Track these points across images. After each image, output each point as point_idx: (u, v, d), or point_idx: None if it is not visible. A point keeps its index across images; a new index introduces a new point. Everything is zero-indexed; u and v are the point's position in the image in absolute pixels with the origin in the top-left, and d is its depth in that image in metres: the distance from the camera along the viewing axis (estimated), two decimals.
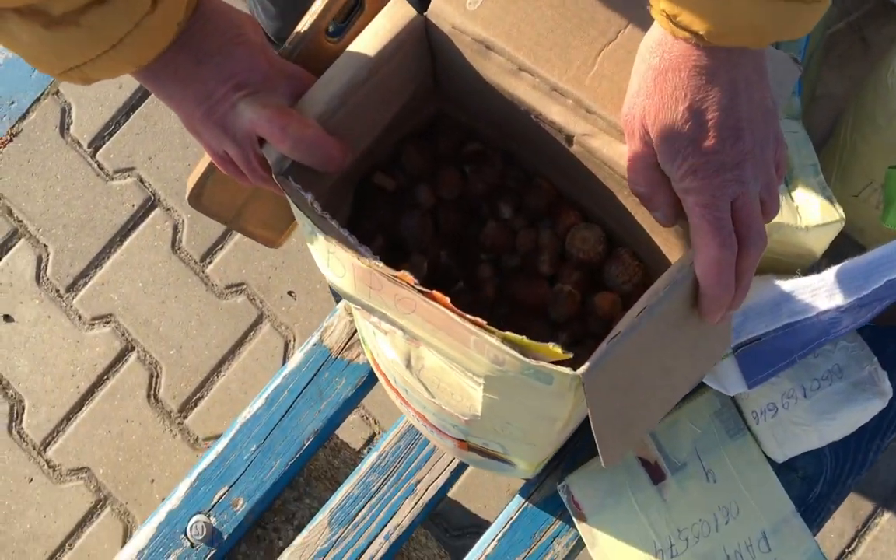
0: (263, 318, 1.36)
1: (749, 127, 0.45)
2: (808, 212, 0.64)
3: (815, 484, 0.77)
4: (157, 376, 1.34)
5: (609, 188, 0.56)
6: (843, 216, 0.63)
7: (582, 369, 0.46)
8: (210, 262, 1.37)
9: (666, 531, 0.72)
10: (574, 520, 0.74)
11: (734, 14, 0.42)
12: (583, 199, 0.62)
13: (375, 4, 0.55)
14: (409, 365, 0.59)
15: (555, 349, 0.46)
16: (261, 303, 1.36)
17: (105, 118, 1.41)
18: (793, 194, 0.65)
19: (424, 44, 0.56)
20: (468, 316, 0.47)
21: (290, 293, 1.37)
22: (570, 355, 0.47)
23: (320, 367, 0.81)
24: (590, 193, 0.58)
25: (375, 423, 1.32)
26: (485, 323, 0.47)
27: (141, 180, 1.40)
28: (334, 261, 0.53)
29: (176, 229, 1.38)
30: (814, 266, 0.67)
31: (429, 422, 0.68)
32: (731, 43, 0.44)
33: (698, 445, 0.73)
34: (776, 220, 0.66)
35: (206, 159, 0.57)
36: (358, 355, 0.82)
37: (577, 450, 0.77)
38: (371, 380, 0.81)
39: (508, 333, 0.47)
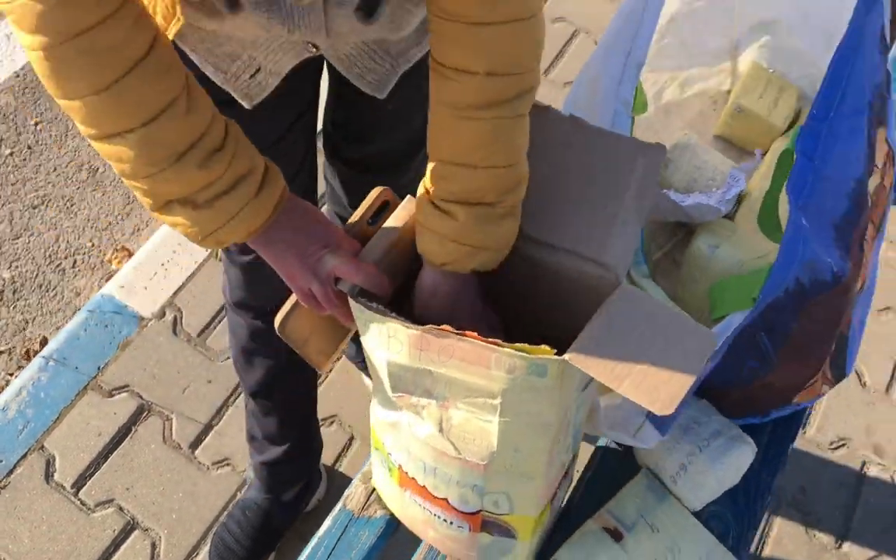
0: None
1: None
2: None
3: (726, 540, 1.04)
4: None
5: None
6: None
7: (566, 355, 0.77)
8: None
9: None
10: None
11: (450, 254, 0.85)
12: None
13: (396, 203, 0.91)
14: (441, 428, 0.86)
15: (546, 349, 0.77)
16: None
17: (86, 462, 1.61)
18: None
19: None
20: (489, 339, 0.78)
21: None
22: (555, 351, 0.77)
23: (346, 526, 1.03)
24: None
25: None
26: (501, 341, 0.78)
27: (120, 509, 1.57)
28: (394, 342, 0.82)
29: (154, 545, 1.54)
30: None
31: (451, 507, 0.92)
32: (457, 269, 0.86)
33: (641, 510, 1.00)
34: None
35: (292, 299, 0.88)
36: (375, 512, 1.04)
37: (562, 540, 1.01)
38: (389, 528, 1.03)
39: (516, 344, 0.77)
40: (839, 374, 1.09)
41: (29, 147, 2.13)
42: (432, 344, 0.81)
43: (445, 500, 0.93)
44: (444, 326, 0.79)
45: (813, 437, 1.70)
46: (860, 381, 1.77)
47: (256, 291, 1.26)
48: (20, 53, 2.25)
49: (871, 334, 1.19)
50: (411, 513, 0.99)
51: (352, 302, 0.84)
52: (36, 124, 2.18)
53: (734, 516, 1.06)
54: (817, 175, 0.95)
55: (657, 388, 0.75)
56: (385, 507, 1.04)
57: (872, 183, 1.04)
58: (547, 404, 0.82)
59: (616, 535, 0.98)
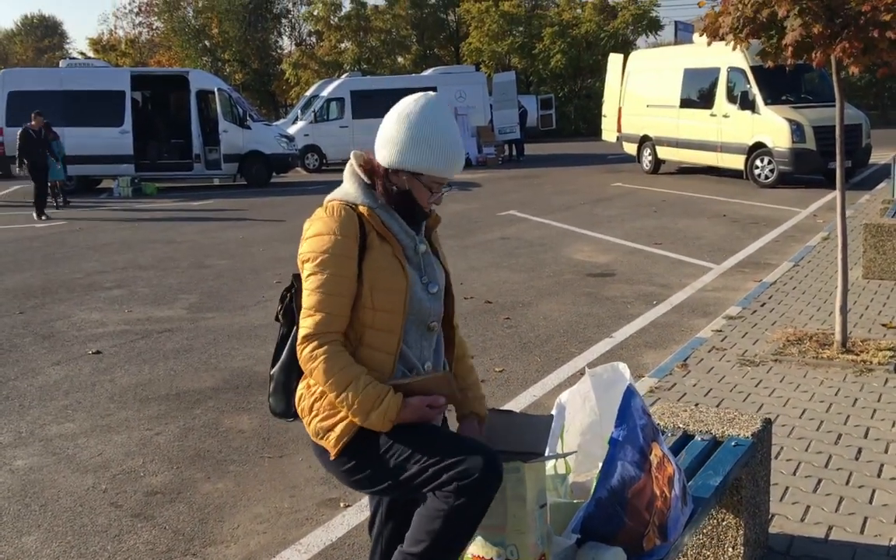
0: None
1: None
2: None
3: None
4: None
5: None
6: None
7: (526, 465, 2.23)
8: None
9: None
10: None
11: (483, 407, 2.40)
12: None
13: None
14: (486, 516, 2.24)
15: (517, 462, 2.24)
16: None
17: None
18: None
19: None
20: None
21: None
22: (525, 462, 2.24)
23: None
24: None
25: None
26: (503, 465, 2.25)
27: None
28: None
29: None
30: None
31: None
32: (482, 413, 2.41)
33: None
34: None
35: None
36: None
37: None
38: None
39: (509, 462, 2.25)
40: (664, 537, 2.43)
41: None
42: None
43: (491, 559, 2.24)
44: None
45: None
46: None
47: None
48: None
49: None
50: None
51: None
52: None
53: None
54: (623, 448, 2.48)
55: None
56: None
57: (654, 459, 2.53)
58: (522, 487, 2.24)
59: None
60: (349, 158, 2.45)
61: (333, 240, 2.27)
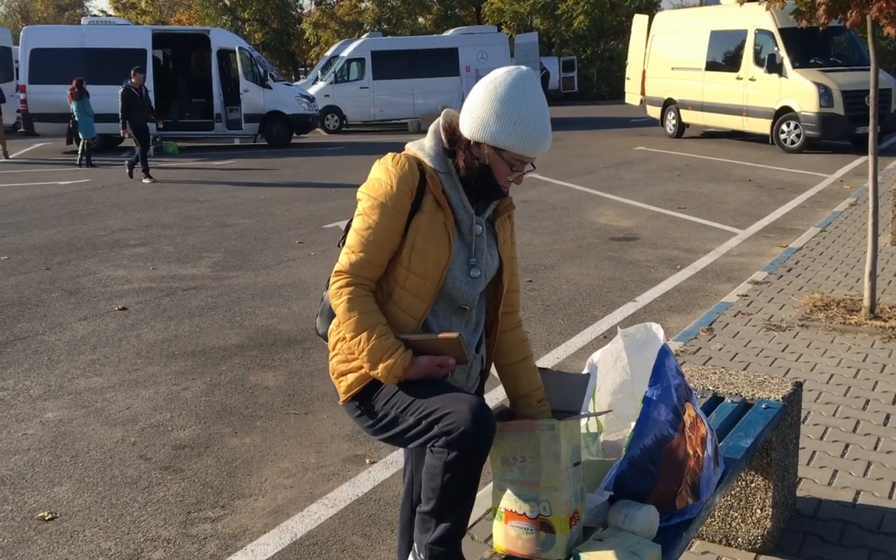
0: None
1: None
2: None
3: None
4: None
5: None
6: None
7: (561, 422, 2.23)
8: None
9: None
10: None
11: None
12: None
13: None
14: (520, 471, 2.25)
15: (554, 420, 2.24)
16: None
17: None
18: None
19: None
20: (534, 421, 2.25)
21: None
22: (559, 420, 2.24)
23: None
24: None
25: None
26: (537, 421, 2.25)
27: None
28: (501, 433, 2.28)
29: None
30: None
31: (527, 517, 2.23)
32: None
33: (612, 534, 2.29)
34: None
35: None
36: (494, 555, 2.29)
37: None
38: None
39: (544, 419, 2.25)
40: (696, 496, 2.43)
41: None
42: (511, 427, 2.28)
43: (524, 514, 2.25)
44: (517, 420, 2.28)
45: None
46: None
47: None
48: None
49: None
50: (509, 536, 2.27)
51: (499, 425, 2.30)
52: None
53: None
54: (657, 407, 2.47)
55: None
56: (497, 553, 2.31)
57: (688, 419, 2.53)
58: (557, 444, 2.24)
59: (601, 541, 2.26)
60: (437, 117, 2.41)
61: (388, 190, 2.27)
